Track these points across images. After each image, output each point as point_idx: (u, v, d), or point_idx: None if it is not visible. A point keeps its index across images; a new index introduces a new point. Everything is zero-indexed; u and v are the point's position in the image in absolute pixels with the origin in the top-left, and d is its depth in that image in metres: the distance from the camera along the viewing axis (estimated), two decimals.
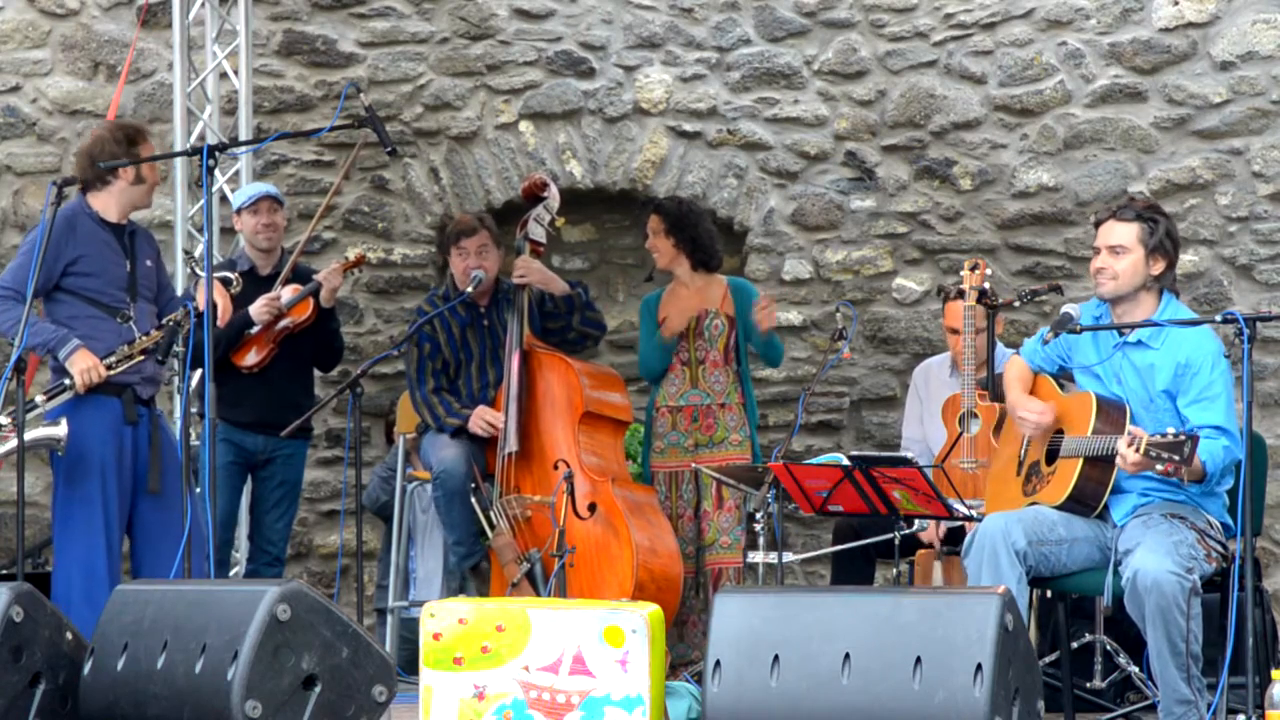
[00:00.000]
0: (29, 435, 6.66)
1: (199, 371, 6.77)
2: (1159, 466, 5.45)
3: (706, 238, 7.88)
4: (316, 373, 8.33)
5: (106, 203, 6.91)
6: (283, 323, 7.66)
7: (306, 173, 9.09)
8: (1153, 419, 5.75)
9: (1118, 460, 5.60)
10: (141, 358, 6.80)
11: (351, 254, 7.91)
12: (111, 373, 6.76)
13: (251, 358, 7.64)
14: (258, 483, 7.83)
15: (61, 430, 6.71)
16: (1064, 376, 6.22)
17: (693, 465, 7.58)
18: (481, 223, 7.76)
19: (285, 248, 8.06)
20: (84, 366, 6.71)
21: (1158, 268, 5.88)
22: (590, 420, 7.52)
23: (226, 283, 6.99)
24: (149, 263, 7.02)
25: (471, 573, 7.56)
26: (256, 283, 7.64)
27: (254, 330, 7.62)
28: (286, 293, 7.64)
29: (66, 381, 6.74)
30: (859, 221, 9.00)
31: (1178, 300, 5.97)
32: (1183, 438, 5.42)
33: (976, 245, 8.86)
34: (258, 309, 7.59)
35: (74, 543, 6.77)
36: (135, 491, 6.86)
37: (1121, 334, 5.89)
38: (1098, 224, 5.99)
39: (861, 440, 8.96)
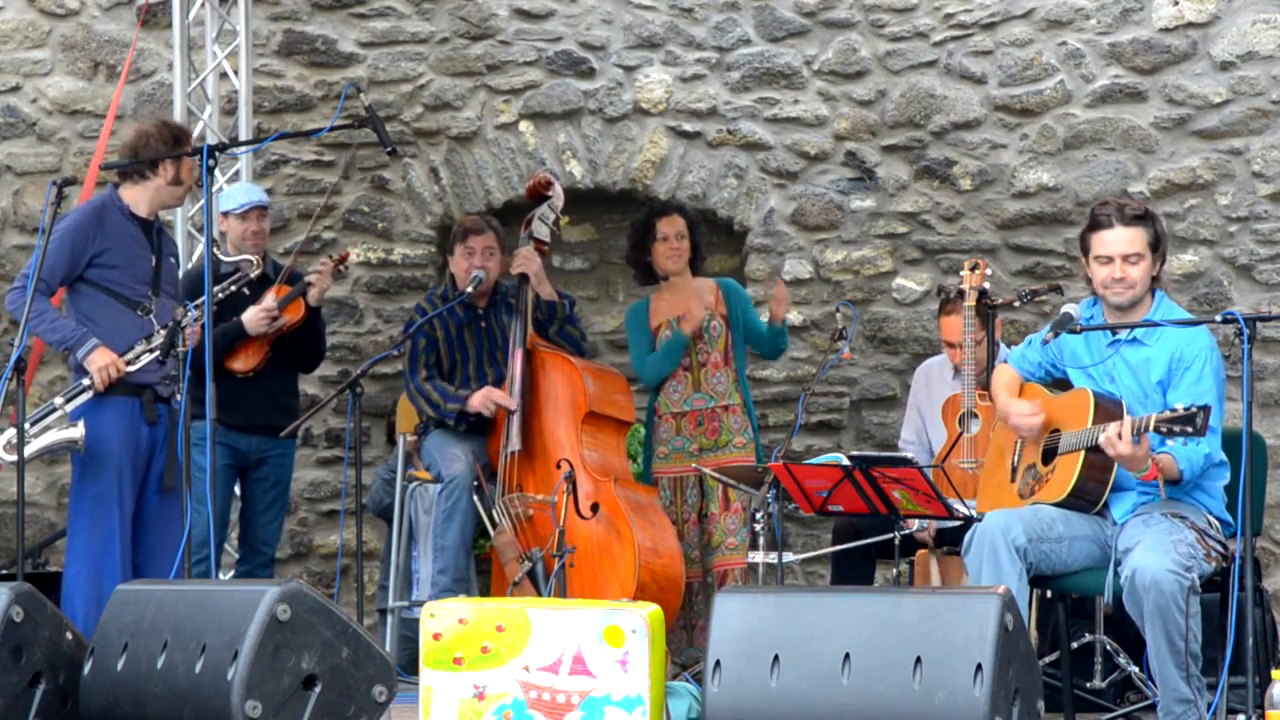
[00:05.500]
0: (47, 439, 6.67)
1: None
2: (1170, 441, 5.44)
3: (703, 237, 7.99)
4: (318, 372, 8.32)
5: (138, 197, 6.92)
6: (275, 324, 7.65)
7: (306, 173, 9.09)
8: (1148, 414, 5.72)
9: (1104, 445, 5.56)
10: (158, 352, 6.80)
11: (337, 254, 7.91)
12: (130, 368, 6.76)
13: (244, 363, 7.62)
14: (249, 484, 7.81)
15: (79, 432, 6.70)
16: (1054, 385, 6.18)
17: (694, 467, 7.57)
18: (489, 224, 7.80)
19: (279, 249, 8.05)
20: (101, 364, 6.71)
21: (1158, 268, 5.87)
22: (593, 420, 7.52)
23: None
24: (172, 260, 7.07)
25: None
26: (248, 285, 7.58)
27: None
28: (269, 297, 7.60)
29: (85, 382, 6.74)
30: (859, 221, 9.00)
31: (1168, 298, 5.96)
32: (1194, 410, 5.38)
33: (976, 245, 8.87)
34: (253, 321, 7.55)
35: (86, 541, 6.76)
36: (144, 489, 6.85)
37: (1115, 334, 5.87)
38: (1098, 228, 5.89)
39: (861, 440, 8.96)
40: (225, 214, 7.78)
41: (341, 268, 7.91)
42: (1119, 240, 5.82)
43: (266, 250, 7.90)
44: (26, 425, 6.58)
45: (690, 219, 7.87)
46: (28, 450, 6.59)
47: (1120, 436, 5.51)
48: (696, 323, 7.64)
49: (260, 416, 7.64)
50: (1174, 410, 5.45)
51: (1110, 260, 5.82)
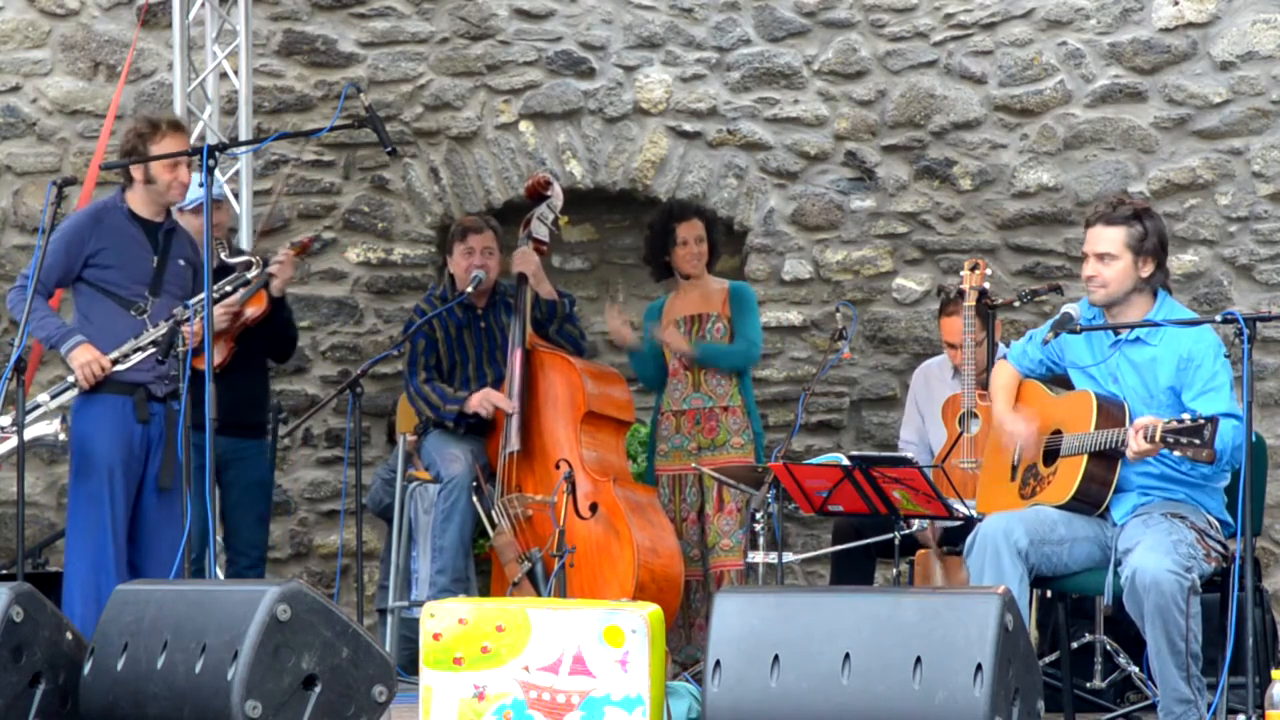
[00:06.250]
0: (27, 434, 6.66)
1: None
2: (1176, 453, 5.46)
3: (720, 235, 8.02)
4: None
5: (134, 199, 6.94)
6: (239, 320, 7.59)
7: (306, 173, 9.09)
8: (1155, 415, 5.72)
9: (1128, 452, 5.59)
10: (153, 349, 6.78)
11: (299, 241, 7.87)
12: (117, 367, 6.75)
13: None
14: (224, 488, 7.71)
15: (53, 427, 6.70)
16: (1053, 380, 6.19)
17: (693, 466, 7.58)
18: (488, 224, 7.81)
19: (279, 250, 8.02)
20: (84, 360, 6.71)
21: (1147, 269, 5.86)
22: (592, 420, 7.52)
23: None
24: (182, 262, 6.99)
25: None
26: (244, 285, 7.52)
27: None
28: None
29: (70, 379, 6.74)
30: (859, 221, 9.00)
31: (1172, 298, 5.97)
32: (1202, 421, 5.41)
33: (976, 245, 8.86)
34: (214, 316, 7.47)
35: (83, 541, 6.76)
36: (141, 489, 6.85)
37: (1117, 333, 5.88)
38: (1087, 226, 5.95)
39: (861, 440, 8.96)
40: (180, 210, 7.71)
41: (303, 256, 7.86)
42: (1096, 239, 5.87)
43: (230, 242, 7.87)
44: (10, 422, 6.59)
45: (709, 220, 7.90)
46: (1, 446, 6.60)
47: (1142, 452, 5.55)
48: (677, 347, 7.66)
49: (231, 415, 7.52)
50: (1180, 421, 5.46)
51: (1088, 258, 5.90)
